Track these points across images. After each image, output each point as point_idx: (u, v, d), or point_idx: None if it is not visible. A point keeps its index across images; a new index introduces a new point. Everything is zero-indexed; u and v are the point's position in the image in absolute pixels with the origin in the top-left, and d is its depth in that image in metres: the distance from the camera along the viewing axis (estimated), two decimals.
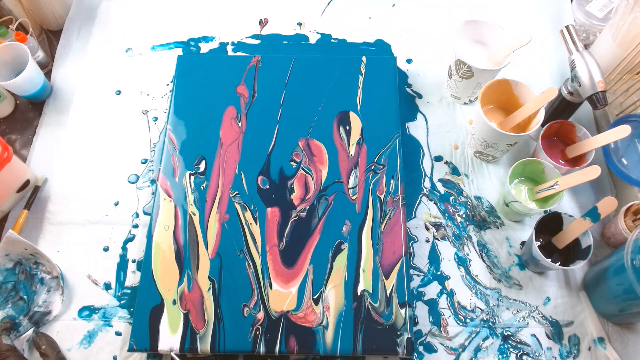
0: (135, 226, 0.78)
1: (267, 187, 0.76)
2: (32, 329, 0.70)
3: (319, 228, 0.73)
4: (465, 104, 0.87)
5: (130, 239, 0.77)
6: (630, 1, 0.74)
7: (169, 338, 0.67)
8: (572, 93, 0.75)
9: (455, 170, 0.82)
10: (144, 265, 0.71)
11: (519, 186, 0.74)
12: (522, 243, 0.76)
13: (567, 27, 0.74)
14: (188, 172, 0.77)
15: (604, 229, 0.76)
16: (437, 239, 0.77)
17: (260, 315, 0.68)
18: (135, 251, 0.76)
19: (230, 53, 0.93)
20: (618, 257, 0.64)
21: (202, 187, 0.76)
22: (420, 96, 0.89)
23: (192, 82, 0.85)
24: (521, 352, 0.69)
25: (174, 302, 0.69)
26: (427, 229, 0.77)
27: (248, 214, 0.74)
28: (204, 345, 0.66)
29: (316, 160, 0.78)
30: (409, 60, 0.92)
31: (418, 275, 0.74)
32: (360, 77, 0.85)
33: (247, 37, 0.95)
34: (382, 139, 0.79)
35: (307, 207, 0.75)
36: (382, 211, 0.74)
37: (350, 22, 0.96)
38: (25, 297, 0.72)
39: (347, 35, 0.95)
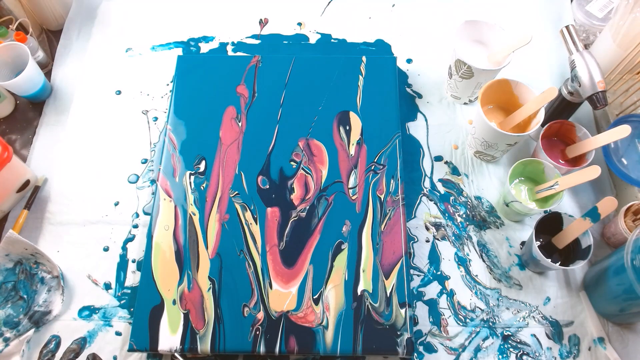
0: (135, 226, 0.78)
1: (267, 187, 0.76)
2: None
3: (319, 228, 0.73)
4: (465, 104, 0.87)
5: (130, 239, 0.77)
6: (630, 1, 0.74)
7: (169, 338, 0.67)
8: (572, 93, 0.75)
9: (455, 170, 0.82)
10: (144, 265, 0.71)
11: (519, 186, 0.74)
12: (522, 243, 0.76)
13: (567, 27, 0.74)
14: (188, 172, 0.78)
15: (604, 229, 0.76)
16: (437, 239, 0.77)
17: (260, 315, 0.68)
18: (135, 251, 0.76)
19: (230, 53, 0.93)
20: (618, 257, 0.64)
21: (202, 187, 0.76)
22: (420, 96, 0.89)
23: (192, 82, 0.85)
24: (521, 352, 0.69)
25: (174, 302, 0.69)
26: (427, 229, 0.77)
27: (248, 214, 0.74)
28: (204, 345, 0.66)
29: (316, 160, 0.78)
30: (409, 60, 0.92)
31: (418, 275, 0.74)
32: (360, 77, 0.85)
33: (247, 37, 0.95)
34: (382, 139, 0.79)
35: (307, 207, 0.75)
36: (382, 211, 0.74)
37: (350, 22, 0.96)
38: (25, 296, 0.72)
39: (347, 35, 0.95)
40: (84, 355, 0.68)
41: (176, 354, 0.66)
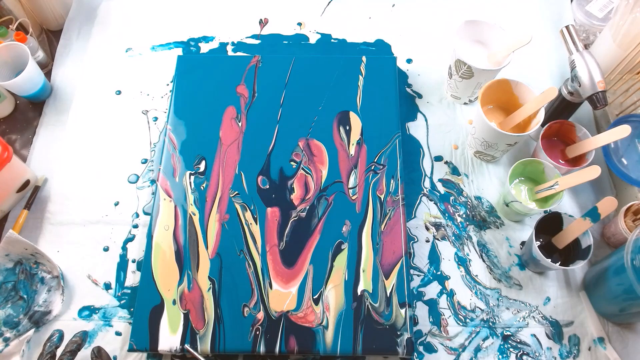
0: (135, 226, 0.78)
1: (267, 187, 0.76)
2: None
3: (319, 228, 0.73)
4: (465, 104, 0.87)
5: (130, 239, 0.77)
6: (630, 1, 0.74)
7: (169, 338, 0.67)
8: (572, 93, 0.75)
9: (455, 170, 0.82)
10: (144, 265, 0.71)
11: (519, 186, 0.74)
12: (522, 243, 0.76)
13: (567, 27, 0.74)
14: (188, 172, 0.78)
15: (604, 229, 0.76)
16: (437, 239, 0.77)
17: (260, 315, 0.68)
18: (135, 251, 0.76)
19: (230, 53, 0.93)
20: (618, 257, 0.64)
21: (202, 187, 0.76)
22: (420, 96, 0.89)
23: (192, 82, 0.85)
24: (521, 352, 0.69)
25: (174, 302, 0.69)
26: (427, 229, 0.77)
27: (248, 214, 0.74)
28: (204, 345, 0.66)
29: (316, 160, 0.78)
30: (409, 60, 0.92)
31: (418, 275, 0.74)
32: (360, 77, 0.85)
33: (247, 37, 0.95)
34: (382, 139, 0.79)
35: (307, 207, 0.75)
36: (382, 211, 0.74)
37: (350, 22, 0.96)
38: (25, 296, 0.72)
39: (347, 35, 0.95)
40: (86, 349, 0.68)
41: (188, 347, 0.65)
